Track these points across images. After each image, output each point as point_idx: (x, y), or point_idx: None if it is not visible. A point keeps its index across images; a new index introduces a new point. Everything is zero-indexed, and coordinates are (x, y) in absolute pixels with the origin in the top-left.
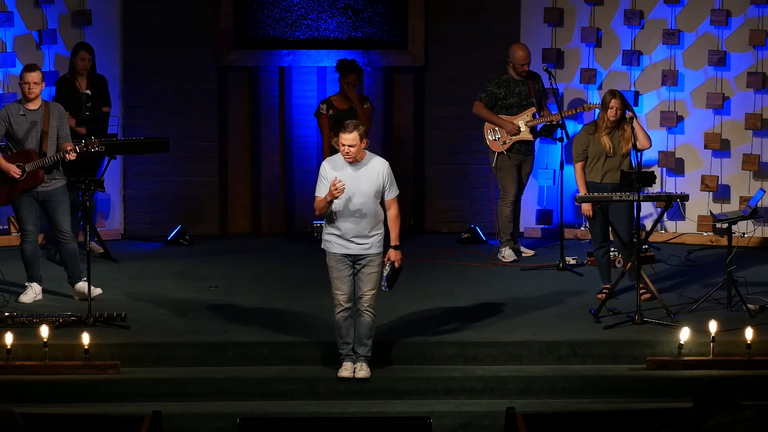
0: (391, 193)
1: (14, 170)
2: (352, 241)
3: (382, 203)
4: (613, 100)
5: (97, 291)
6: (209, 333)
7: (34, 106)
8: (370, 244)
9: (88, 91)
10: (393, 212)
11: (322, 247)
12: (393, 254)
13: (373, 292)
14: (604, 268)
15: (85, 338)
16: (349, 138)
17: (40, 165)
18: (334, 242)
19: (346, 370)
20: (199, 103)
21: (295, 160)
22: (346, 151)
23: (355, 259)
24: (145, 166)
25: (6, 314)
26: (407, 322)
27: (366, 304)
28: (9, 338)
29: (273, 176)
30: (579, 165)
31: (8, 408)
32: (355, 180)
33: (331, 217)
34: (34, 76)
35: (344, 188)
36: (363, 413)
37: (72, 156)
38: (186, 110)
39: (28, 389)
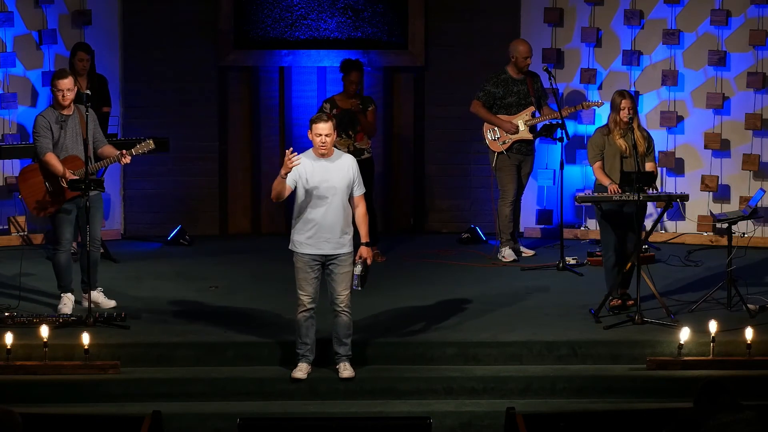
0: (359, 190)
1: (71, 177)
2: (325, 240)
3: (350, 201)
4: (623, 101)
5: (111, 303)
6: (209, 333)
7: (68, 111)
8: (342, 244)
9: (88, 92)
10: (362, 209)
11: (290, 248)
12: (366, 251)
13: (347, 292)
14: (614, 278)
15: (85, 338)
16: (325, 127)
17: (91, 171)
18: (304, 243)
19: (300, 371)
20: (199, 103)
21: None
22: (321, 140)
23: (326, 260)
24: (145, 166)
25: (6, 314)
26: (408, 322)
27: (342, 305)
28: (9, 338)
29: (273, 176)
30: (597, 164)
31: (8, 408)
32: (328, 174)
33: (303, 215)
34: (67, 83)
35: (299, 161)
36: (363, 413)
37: (127, 159)
38: (186, 110)
39: (28, 389)
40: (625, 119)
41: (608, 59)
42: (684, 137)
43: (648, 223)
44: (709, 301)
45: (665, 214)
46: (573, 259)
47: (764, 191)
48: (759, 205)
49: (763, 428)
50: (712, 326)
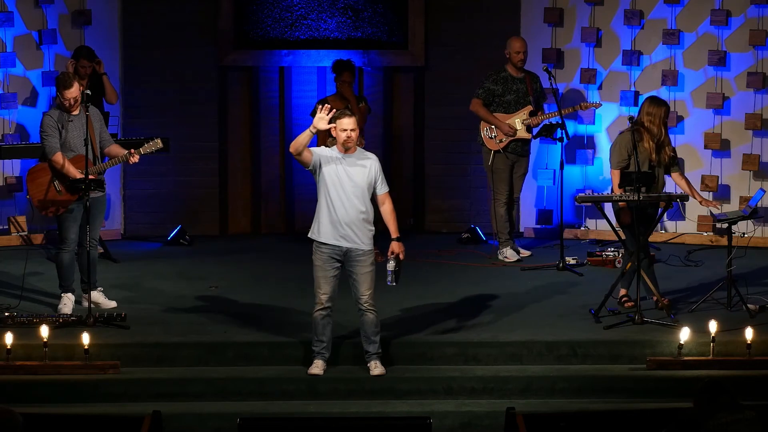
0: (384, 188)
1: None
2: (342, 235)
3: (373, 201)
4: (656, 108)
5: (111, 303)
6: (209, 333)
7: (75, 111)
8: (361, 240)
9: (88, 92)
10: (388, 206)
11: (309, 236)
12: (397, 246)
13: (370, 291)
14: (630, 274)
15: (85, 338)
16: (350, 122)
17: (99, 170)
18: (323, 232)
19: (316, 368)
20: (199, 103)
21: (294, 160)
22: (347, 135)
23: (345, 256)
24: (145, 166)
25: (6, 314)
26: (407, 322)
27: (366, 304)
28: (9, 338)
29: (273, 176)
30: (617, 173)
31: (8, 408)
32: (349, 171)
33: (324, 208)
34: (73, 92)
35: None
36: (363, 413)
37: (136, 159)
38: (186, 110)
39: (28, 389)
40: (657, 128)
41: (608, 59)
42: (684, 137)
43: None
44: (709, 301)
45: (665, 214)
46: (573, 259)
47: (764, 191)
48: (759, 205)
49: (763, 428)
50: (712, 326)
